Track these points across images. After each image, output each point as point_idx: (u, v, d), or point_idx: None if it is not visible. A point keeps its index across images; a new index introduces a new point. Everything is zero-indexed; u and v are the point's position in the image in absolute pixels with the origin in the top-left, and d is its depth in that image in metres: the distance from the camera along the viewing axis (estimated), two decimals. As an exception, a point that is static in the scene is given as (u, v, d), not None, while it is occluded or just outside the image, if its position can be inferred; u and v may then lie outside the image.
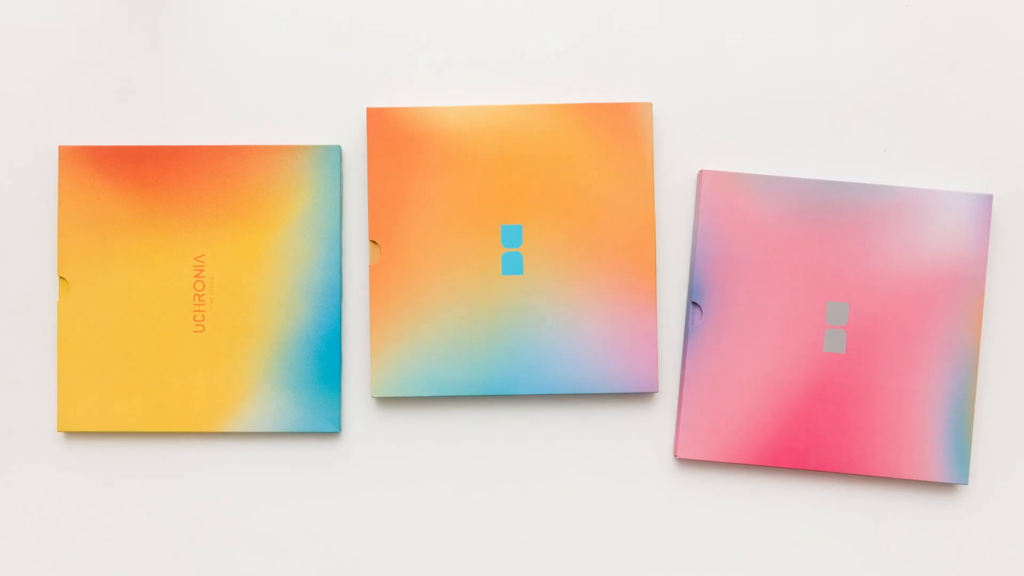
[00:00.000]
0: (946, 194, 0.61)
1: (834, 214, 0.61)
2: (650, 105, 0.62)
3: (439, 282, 0.61)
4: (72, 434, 0.62)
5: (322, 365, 0.61)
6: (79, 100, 0.63)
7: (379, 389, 0.61)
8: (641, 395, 0.62)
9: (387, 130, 0.62)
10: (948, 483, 0.61)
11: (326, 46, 0.63)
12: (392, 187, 0.62)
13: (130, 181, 0.62)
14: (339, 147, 0.62)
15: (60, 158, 0.62)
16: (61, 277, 0.62)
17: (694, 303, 0.61)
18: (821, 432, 0.61)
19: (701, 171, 0.62)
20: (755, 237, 0.61)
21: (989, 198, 0.61)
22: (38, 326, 0.62)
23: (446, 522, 0.62)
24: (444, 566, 0.62)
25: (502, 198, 0.61)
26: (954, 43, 0.63)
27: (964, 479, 0.61)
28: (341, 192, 0.62)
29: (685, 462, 0.62)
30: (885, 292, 0.61)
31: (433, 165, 0.62)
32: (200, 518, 0.62)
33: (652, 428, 0.62)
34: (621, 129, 0.62)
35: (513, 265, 0.61)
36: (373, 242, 0.61)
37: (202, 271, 0.62)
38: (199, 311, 0.62)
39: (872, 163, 0.63)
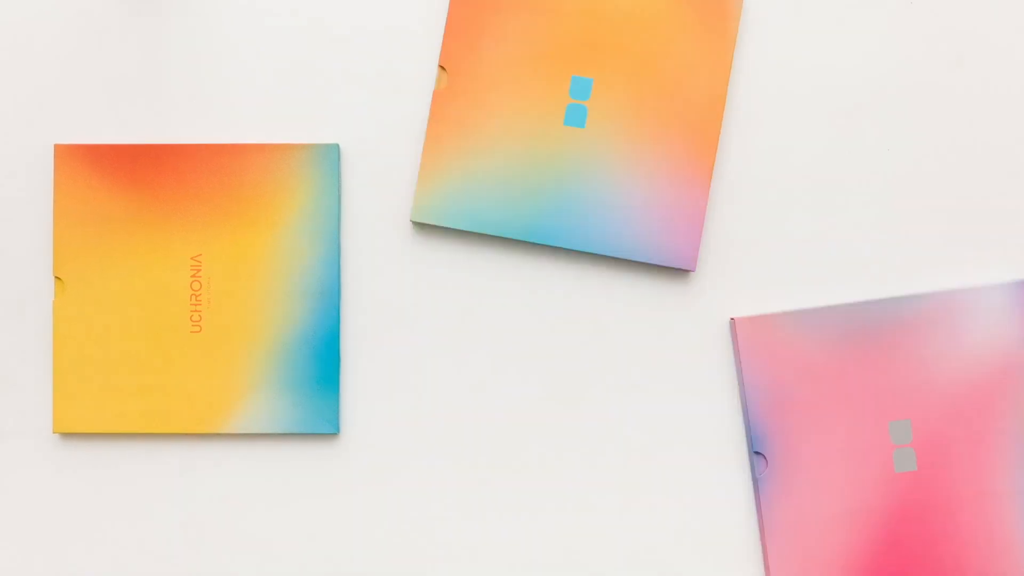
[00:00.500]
0: (984, 289, 0.60)
1: (875, 333, 0.60)
2: None
3: (499, 119, 0.61)
4: (68, 435, 0.62)
5: (320, 366, 0.61)
6: (75, 98, 0.62)
7: (419, 214, 0.61)
8: (677, 272, 0.62)
9: None
10: None
11: (326, 44, 0.62)
12: (471, 16, 0.61)
13: (126, 180, 0.61)
14: (337, 146, 0.61)
15: (55, 156, 0.61)
16: (56, 277, 0.61)
17: (756, 452, 0.60)
18: (911, 553, 0.59)
19: (733, 319, 0.61)
20: (802, 374, 0.60)
21: None
22: (33, 326, 0.62)
23: (445, 525, 0.61)
24: (443, 568, 0.61)
25: (579, 48, 0.61)
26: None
27: None
28: (339, 191, 0.62)
29: None
30: (944, 399, 0.60)
31: (518, 1, 0.61)
32: (197, 520, 0.61)
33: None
34: (710, 5, 0.61)
35: (576, 117, 0.60)
36: (441, 67, 0.61)
37: (199, 271, 0.61)
38: (196, 311, 0.61)
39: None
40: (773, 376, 0.60)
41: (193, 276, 0.61)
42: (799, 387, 0.60)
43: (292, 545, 0.61)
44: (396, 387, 0.61)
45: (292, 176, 0.61)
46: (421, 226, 0.62)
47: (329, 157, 0.61)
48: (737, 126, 0.62)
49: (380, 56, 0.62)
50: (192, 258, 0.61)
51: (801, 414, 0.60)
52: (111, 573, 0.61)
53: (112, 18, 0.63)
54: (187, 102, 0.62)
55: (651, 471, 0.61)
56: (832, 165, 0.62)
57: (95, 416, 0.61)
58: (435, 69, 0.62)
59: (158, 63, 0.62)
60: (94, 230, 0.61)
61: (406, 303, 0.62)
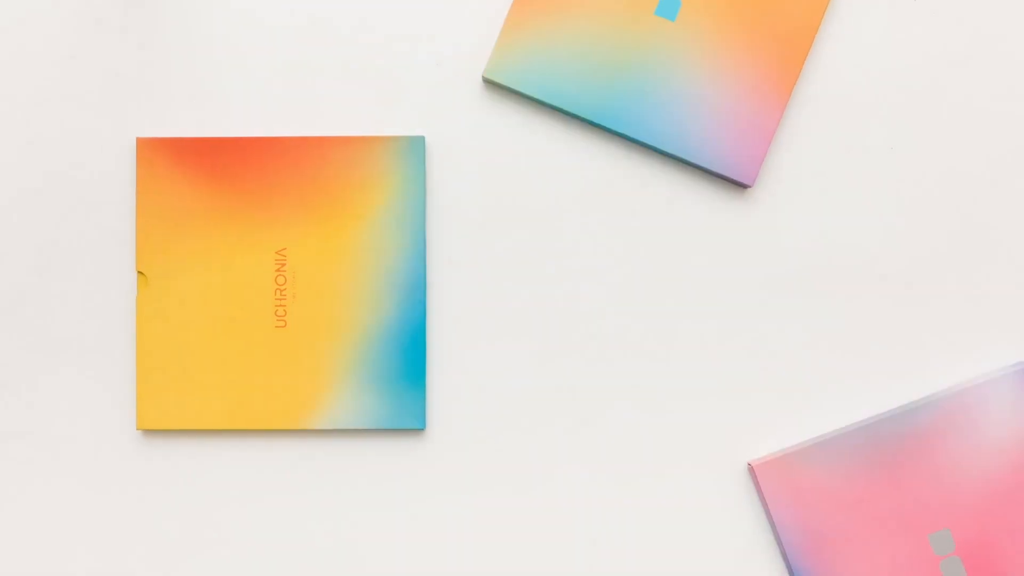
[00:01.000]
0: (991, 382, 0.59)
1: (895, 449, 0.59)
2: None
3: None
4: (151, 432, 0.61)
5: (406, 361, 0.60)
6: (156, 91, 0.62)
7: (492, 72, 0.60)
8: (734, 187, 0.61)
9: None
10: None
11: (411, 35, 0.62)
12: None
13: (210, 173, 0.61)
14: (423, 138, 0.61)
15: (137, 150, 0.61)
16: (139, 272, 0.60)
17: None
18: None
19: (751, 465, 0.60)
20: (833, 505, 0.59)
21: None
22: (116, 321, 0.61)
23: (533, 521, 0.60)
24: (534, 565, 0.60)
25: None
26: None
27: None
28: (425, 184, 0.61)
29: None
30: (978, 500, 0.59)
31: None
32: (281, 516, 0.61)
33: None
34: None
35: (668, 9, 0.60)
36: None
37: (284, 265, 0.60)
38: (281, 306, 0.60)
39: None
40: (804, 514, 0.59)
41: (278, 270, 0.60)
42: (832, 519, 0.59)
43: (377, 541, 0.60)
44: (481, 382, 0.61)
45: (378, 169, 0.61)
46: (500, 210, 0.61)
47: (415, 150, 0.61)
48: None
49: (466, 46, 0.62)
50: (277, 252, 0.60)
51: (840, 545, 0.59)
52: (194, 569, 0.60)
53: (191, 9, 0.62)
54: (269, 94, 0.61)
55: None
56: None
57: (179, 413, 0.60)
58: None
59: (241, 55, 0.62)
60: (177, 224, 0.60)
61: (491, 294, 0.61)
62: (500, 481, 0.61)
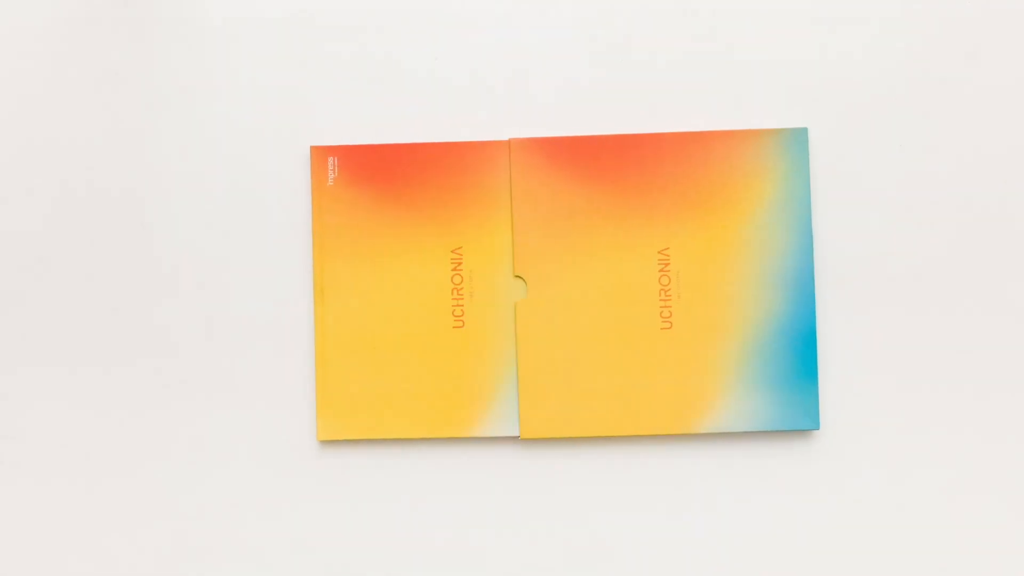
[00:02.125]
0: None
1: None
2: None
3: None
4: (531, 441, 0.59)
5: (797, 359, 0.58)
6: (530, 93, 0.60)
7: None
8: None
9: None
10: None
11: (789, 25, 0.60)
12: None
13: (586, 172, 0.59)
14: (806, 129, 0.59)
15: (511, 150, 0.59)
16: (517, 276, 0.59)
17: None
18: None
19: None
20: None
21: None
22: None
23: (934, 530, 0.58)
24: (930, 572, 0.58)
25: None
26: None
27: None
28: (809, 176, 0.59)
29: None
30: None
31: None
32: (672, 519, 0.59)
33: None
34: None
35: None
36: None
37: (667, 265, 0.59)
38: (666, 307, 0.58)
39: None
40: None
41: (661, 270, 0.59)
42: None
43: (776, 542, 0.58)
44: (876, 378, 0.59)
45: (760, 162, 0.59)
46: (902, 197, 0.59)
47: (798, 141, 0.59)
48: None
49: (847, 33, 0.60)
50: (659, 252, 0.59)
51: None
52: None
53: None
54: (640, 91, 0.60)
55: None
56: None
57: (561, 419, 0.58)
58: None
59: (613, 52, 0.60)
60: (554, 225, 0.59)
61: (879, 288, 0.59)
62: (895, 481, 0.58)
